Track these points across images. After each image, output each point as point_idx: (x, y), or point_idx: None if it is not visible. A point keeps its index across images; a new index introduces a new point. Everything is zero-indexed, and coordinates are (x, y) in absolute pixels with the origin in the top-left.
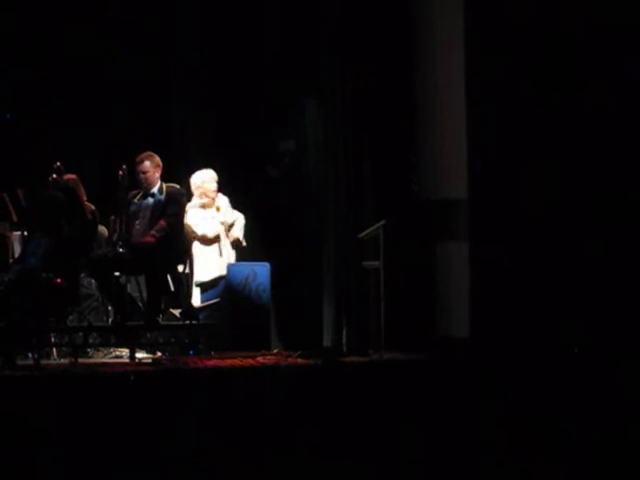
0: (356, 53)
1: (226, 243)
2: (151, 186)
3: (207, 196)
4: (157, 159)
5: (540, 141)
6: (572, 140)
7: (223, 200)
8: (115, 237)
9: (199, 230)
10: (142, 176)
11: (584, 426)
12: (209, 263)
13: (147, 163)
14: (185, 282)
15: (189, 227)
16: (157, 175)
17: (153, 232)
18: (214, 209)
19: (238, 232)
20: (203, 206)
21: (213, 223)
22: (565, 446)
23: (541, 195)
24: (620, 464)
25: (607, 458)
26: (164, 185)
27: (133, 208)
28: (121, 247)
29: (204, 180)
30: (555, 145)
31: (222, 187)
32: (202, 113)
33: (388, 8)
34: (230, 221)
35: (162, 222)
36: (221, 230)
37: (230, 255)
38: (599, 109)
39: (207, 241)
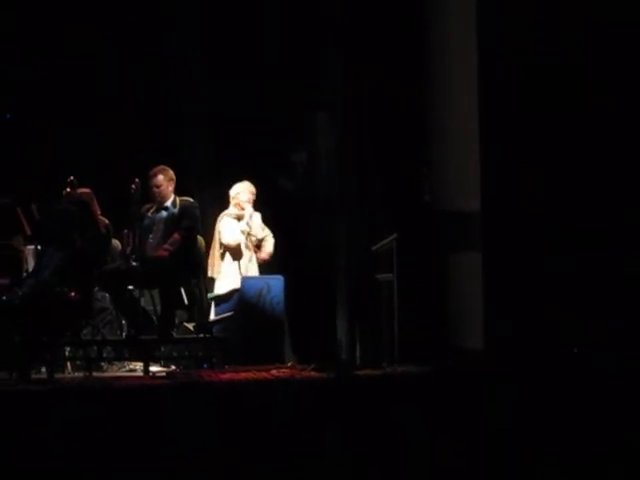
0: (368, 64)
1: (250, 259)
2: (164, 200)
3: (240, 207)
4: (170, 173)
5: (554, 152)
6: (586, 152)
7: (255, 216)
8: (129, 251)
9: (223, 238)
10: (155, 190)
11: (598, 439)
12: (229, 278)
13: (160, 177)
14: (199, 296)
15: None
16: (170, 189)
17: (166, 246)
18: (245, 222)
19: (269, 249)
20: (237, 217)
21: (237, 233)
22: (577, 458)
23: (554, 206)
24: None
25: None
26: (177, 198)
27: (146, 222)
28: (134, 261)
29: (238, 191)
30: (569, 157)
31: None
32: (214, 126)
33: (399, 17)
34: (260, 237)
35: (176, 235)
36: (242, 241)
37: (251, 270)
38: (614, 122)
39: (230, 250)
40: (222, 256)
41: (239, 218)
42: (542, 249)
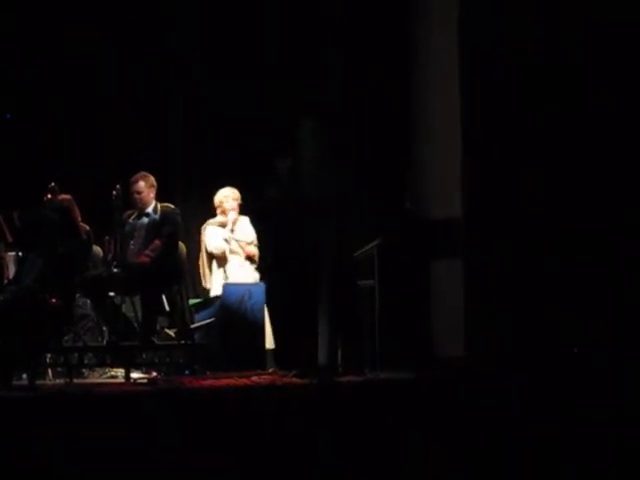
0: (352, 70)
1: (241, 264)
2: (145, 206)
3: (224, 213)
4: (151, 179)
5: (537, 158)
6: (570, 157)
7: (242, 220)
8: (110, 257)
9: (209, 247)
10: (136, 196)
11: (581, 442)
12: (218, 285)
13: (141, 183)
14: (181, 302)
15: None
16: (151, 195)
17: (148, 252)
18: (229, 229)
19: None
20: (222, 224)
21: (220, 240)
22: (561, 462)
23: (537, 213)
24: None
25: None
26: (159, 205)
27: (128, 228)
28: (116, 267)
29: (221, 200)
30: (553, 163)
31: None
32: (198, 133)
33: (386, 30)
34: (249, 240)
35: (157, 242)
36: (227, 248)
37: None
38: (600, 124)
39: (216, 258)
40: (210, 265)
41: (223, 225)
42: (524, 256)
